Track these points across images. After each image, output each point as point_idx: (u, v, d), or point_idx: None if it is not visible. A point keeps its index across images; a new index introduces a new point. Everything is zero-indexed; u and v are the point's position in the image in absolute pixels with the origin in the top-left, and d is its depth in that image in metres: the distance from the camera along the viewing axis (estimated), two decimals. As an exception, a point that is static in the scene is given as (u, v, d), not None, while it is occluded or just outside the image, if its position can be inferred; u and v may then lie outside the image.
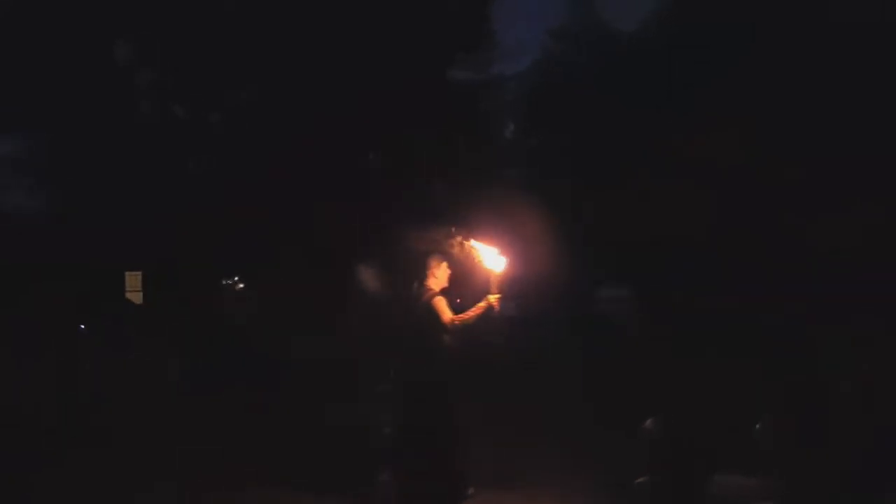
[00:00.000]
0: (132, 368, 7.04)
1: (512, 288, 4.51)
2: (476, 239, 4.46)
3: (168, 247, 8.61)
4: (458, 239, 4.47)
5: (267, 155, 8.66)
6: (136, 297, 8.10)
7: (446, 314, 4.31)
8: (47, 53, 8.79)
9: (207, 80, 9.20)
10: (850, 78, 6.95)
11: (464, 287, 4.65)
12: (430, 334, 4.33)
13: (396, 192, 8.66)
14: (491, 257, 4.41)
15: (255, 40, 8.69)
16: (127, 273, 8.13)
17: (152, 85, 9.55)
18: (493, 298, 4.36)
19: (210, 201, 8.60)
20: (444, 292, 4.42)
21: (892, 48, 6.94)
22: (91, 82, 8.90)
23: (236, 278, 9.86)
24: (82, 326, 7.66)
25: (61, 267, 8.06)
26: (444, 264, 4.48)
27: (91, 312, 7.98)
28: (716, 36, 8.12)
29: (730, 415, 5.22)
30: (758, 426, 5.03)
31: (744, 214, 7.29)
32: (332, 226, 8.23)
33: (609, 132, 8.39)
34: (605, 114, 8.51)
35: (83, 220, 8.80)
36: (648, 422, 5.05)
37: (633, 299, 8.02)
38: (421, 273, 4.41)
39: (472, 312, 4.32)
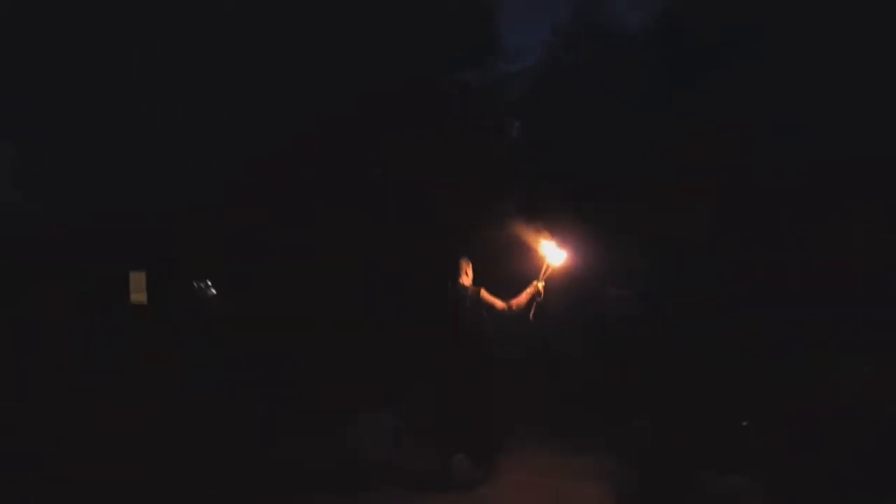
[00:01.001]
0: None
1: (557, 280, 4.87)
2: (545, 230, 4.81)
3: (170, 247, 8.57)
4: (533, 228, 4.82)
5: (291, 156, 8.64)
6: (140, 297, 7.99)
7: (499, 303, 4.67)
8: (46, 53, 8.74)
9: (208, 81, 9.15)
10: (855, 79, 6.96)
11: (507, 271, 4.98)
12: (482, 326, 4.78)
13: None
14: (552, 250, 4.75)
15: (258, 56, 8.65)
16: (131, 273, 8.03)
17: (151, 84, 9.49)
18: (540, 285, 4.82)
19: (218, 202, 8.55)
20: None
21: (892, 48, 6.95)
22: (90, 81, 8.85)
23: (209, 282, 9.57)
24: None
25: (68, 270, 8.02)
26: (470, 265, 4.89)
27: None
28: (722, 34, 8.13)
29: (721, 414, 5.30)
30: (744, 423, 5.13)
31: (747, 216, 7.32)
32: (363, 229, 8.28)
33: (616, 132, 8.40)
34: (611, 113, 8.52)
35: (85, 221, 8.72)
36: (637, 419, 5.15)
37: (637, 298, 8.07)
38: (455, 273, 4.73)
39: (523, 297, 4.70)
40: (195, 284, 8.98)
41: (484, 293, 4.87)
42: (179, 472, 5.02)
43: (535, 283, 4.89)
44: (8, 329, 6.93)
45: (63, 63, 8.68)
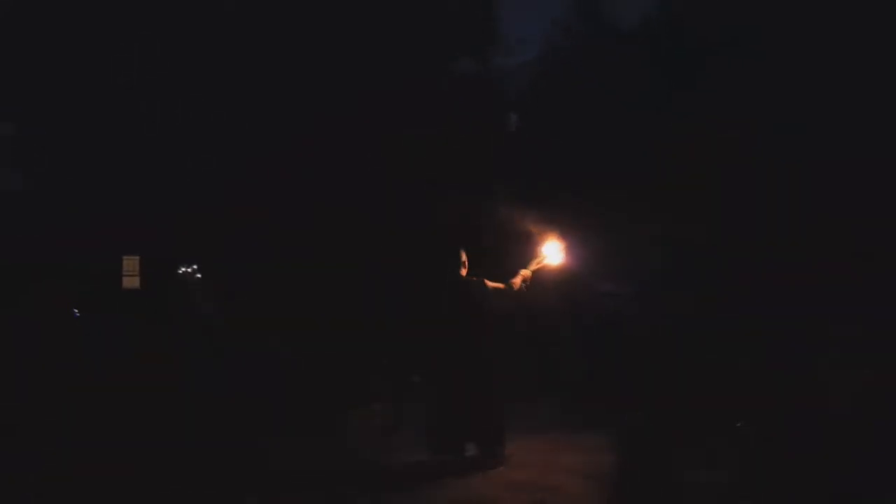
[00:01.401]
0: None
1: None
2: (549, 231, 4.95)
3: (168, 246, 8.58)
4: (535, 225, 4.95)
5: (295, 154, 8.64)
6: (132, 281, 7.98)
7: (501, 286, 4.97)
8: (45, 53, 8.75)
9: (207, 78, 9.14)
10: (854, 78, 6.95)
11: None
12: (486, 312, 4.90)
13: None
14: (554, 250, 4.90)
15: (257, 41, 8.64)
16: (124, 257, 8.01)
17: (152, 83, 9.49)
18: (528, 272, 5.06)
19: (215, 201, 8.55)
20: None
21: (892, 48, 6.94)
22: (90, 81, 8.86)
23: (195, 266, 9.53)
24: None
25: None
26: (464, 254, 5.04)
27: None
28: (722, 27, 8.11)
29: (718, 414, 5.31)
30: (738, 425, 5.14)
31: (746, 215, 7.31)
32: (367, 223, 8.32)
33: (615, 128, 8.38)
34: (611, 109, 8.51)
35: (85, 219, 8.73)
36: (629, 415, 5.18)
37: (632, 297, 8.05)
38: (454, 265, 4.84)
39: (518, 279, 4.84)
40: (182, 269, 8.96)
41: (486, 281, 5.02)
42: (179, 472, 5.03)
43: (522, 271, 5.13)
44: (8, 329, 6.95)
45: (63, 64, 8.68)
